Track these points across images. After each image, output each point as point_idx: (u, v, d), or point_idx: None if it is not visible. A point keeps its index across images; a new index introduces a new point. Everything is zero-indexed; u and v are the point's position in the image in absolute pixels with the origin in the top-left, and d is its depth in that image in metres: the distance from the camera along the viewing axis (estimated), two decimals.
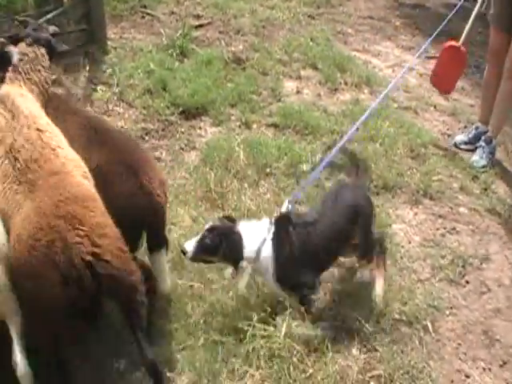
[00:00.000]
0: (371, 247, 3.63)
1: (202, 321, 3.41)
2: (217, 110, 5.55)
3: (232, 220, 3.44)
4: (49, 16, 5.80)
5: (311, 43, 7.11)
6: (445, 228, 4.53)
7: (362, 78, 6.49)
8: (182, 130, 5.33)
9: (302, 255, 3.30)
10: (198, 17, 7.55)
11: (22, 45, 3.58)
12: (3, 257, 2.67)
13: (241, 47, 6.81)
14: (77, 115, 3.52)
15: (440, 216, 4.65)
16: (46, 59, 3.60)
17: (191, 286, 3.62)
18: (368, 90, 6.36)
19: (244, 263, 3.30)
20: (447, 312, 3.79)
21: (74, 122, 3.40)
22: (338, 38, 7.57)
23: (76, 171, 2.88)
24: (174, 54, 6.38)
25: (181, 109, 5.51)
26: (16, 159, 2.84)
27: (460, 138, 5.60)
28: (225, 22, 7.44)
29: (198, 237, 3.28)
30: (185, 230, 3.97)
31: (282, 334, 3.21)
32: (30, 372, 2.79)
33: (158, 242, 3.35)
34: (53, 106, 3.49)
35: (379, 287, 3.63)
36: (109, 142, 3.29)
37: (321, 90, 6.26)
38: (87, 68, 5.88)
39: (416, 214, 4.66)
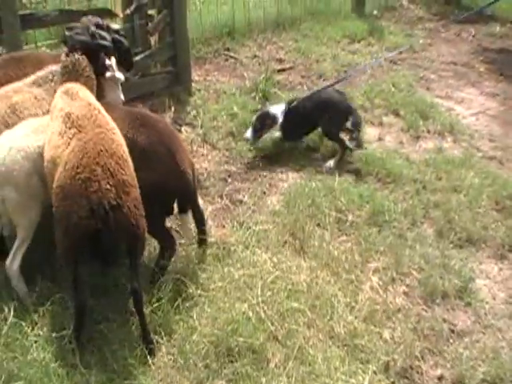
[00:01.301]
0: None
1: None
2: (299, 156, 5.62)
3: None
4: (137, 58, 6.05)
5: (393, 89, 7.10)
6: None
7: (445, 125, 6.42)
8: (264, 173, 5.41)
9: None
10: (280, 61, 7.69)
11: (62, 55, 3.93)
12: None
13: None
14: (121, 109, 4.18)
15: None
16: (84, 64, 3.92)
17: None
18: (451, 138, 6.27)
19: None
20: None
21: (121, 110, 4.09)
22: (420, 84, 7.53)
23: (117, 133, 3.56)
24: (257, 98, 6.54)
25: (263, 153, 5.61)
26: (70, 119, 3.50)
27: None
28: (307, 67, 7.56)
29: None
30: (267, 275, 3.98)
31: None
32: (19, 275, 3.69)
33: (185, 207, 4.16)
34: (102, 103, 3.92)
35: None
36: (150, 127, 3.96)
37: (403, 137, 6.23)
38: (172, 109, 6.09)
39: (501, 269, 4.52)
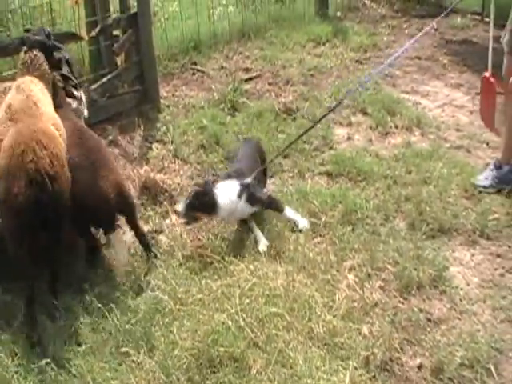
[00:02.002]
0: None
1: None
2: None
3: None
4: (104, 80, 6.13)
5: (360, 88, 7.19)
6: (503, 268, 4.45)
7: (412, 120, 6.52)
8: None
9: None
10: (247, 70, 7.77)
11: (21, 53, 4.36)
12: None
13: (290, 97, 6.97)
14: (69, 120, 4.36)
15: (498, 256, 4.57)
16: (41, 60, 4.31)
17: None
18: (419, 131, 6.37)
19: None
20: (510, 354, 3.70)
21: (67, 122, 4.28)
22: (386, 81, 7.63)
23: (52, 126, 3.88)
24: (226, 109, 6.61)
25: None
26: (10, 112, 3.84)
27: None
28: (274, 74, 7.64)
29: None
30: (244, 283, 4.03)
31: None
32: None
33: (106, 226, 4.32)
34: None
35: None
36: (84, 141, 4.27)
37: (372, 134, 6.32)
38: (142, 127, 6.13)
39: (473, 255, 4.60)
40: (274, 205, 4.77)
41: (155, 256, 4.38)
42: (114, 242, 4.34)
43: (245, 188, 4.49)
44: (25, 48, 4.35)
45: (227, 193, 4.44)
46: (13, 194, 3.52)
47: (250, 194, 4.50)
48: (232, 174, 4.66)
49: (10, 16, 7.33)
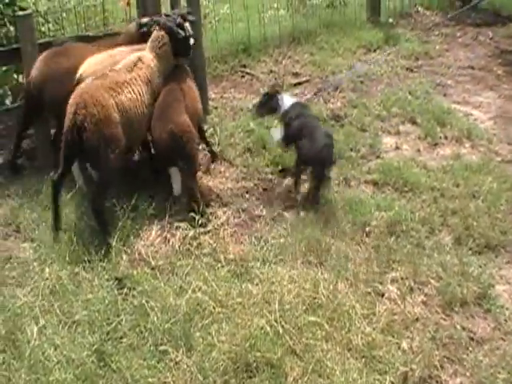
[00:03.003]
0: None
1: None
2: None
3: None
4: None
5: (410, 97, 7.12)
6: None
7: (462, 131, 6.41)
8: (281, 188, 5.46)
9: None
10: (296, 74, 7.76)
11: (154, 31, 5.29)
12: None
13: (339, 104, 6.93)
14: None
15: None
16: (165, 39, 5.23)
17: None
18: (469, 143, 6.25)
19: None
20: None
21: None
22: (437, 91, 7.51)
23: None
24: None
25: (280, 167, 5.67)
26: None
27: None
28: (323, 79, 7.60)
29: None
30: (285, 289, 4.02)
31: None
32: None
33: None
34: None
35: None
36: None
37: (420, 145, 6.24)
38: None
39: None
40: None
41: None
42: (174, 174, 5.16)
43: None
44: (156, 27, 5.26)
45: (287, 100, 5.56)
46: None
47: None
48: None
49: (64, 15, 7.48)
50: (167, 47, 5.23)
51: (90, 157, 4.67)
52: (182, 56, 5.41)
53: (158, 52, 5.20)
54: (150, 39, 5.25)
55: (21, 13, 5.69)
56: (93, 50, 5.41)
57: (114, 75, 4.82)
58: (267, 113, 5.65)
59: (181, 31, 5.26)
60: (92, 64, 5.16)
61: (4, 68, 6.36)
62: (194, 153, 5.05)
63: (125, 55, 5.19)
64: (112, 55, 5.27)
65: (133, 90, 4.85)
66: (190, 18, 5.60)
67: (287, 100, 5.53)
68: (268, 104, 5.55)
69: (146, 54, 5.17)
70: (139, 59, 5.06)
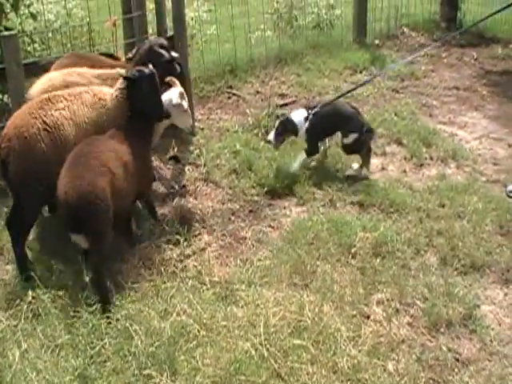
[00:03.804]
0: None
1: None
2: (301, 190, 5.65)
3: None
4: None
5: (396, 118, 7.17)
6: None
7: (448, 151, 6.46)
8: (268, 210, 5.46)
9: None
10: (282, 96, 7.80)
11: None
12: None
13: None
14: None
15: None
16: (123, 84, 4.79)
17: None
18: (455, 164, 6.29)
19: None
20: None
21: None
22: (422, 111, 7.58)
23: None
24: (260, 134, 6.62)
25: (266, 189, 5.67)
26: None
27: None
28: (309, 100, 7.63)
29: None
30: (270, 312, 3.99)
31: None
32: None
33: None
34: None
35: None
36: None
37: (406, 165, 6.27)
38: (175, 149, 6.17)
39: (506, 294, 4.50)
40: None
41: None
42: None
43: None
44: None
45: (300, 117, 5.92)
46: None
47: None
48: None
49: (51, 35, 7.49)
50: (122, 93, 4.75)
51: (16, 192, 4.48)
52: (147, 115, 4.80)
53: (117, 94, 4.78)
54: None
55: (6, 33, 5.66)
56: None
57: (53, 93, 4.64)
58: (287, 137, 6.01)
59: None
60: (39, 84, 5.07)
61: None
62: (103, 229, 4.20)
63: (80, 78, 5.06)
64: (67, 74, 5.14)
65: (68, 107, 4.56)
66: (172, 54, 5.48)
67: (300, 114, 5.94)
68: (285, 129, 5.89)
69: (105, 89, 4.86)
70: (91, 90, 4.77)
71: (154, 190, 5.55)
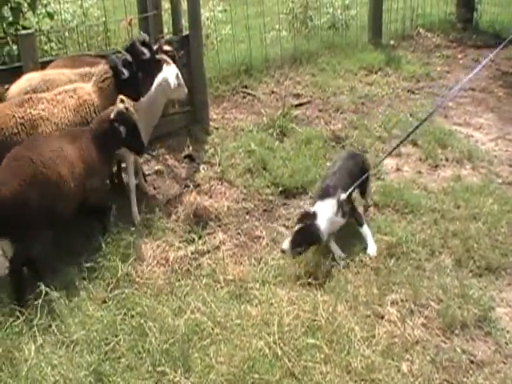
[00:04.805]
0: None
1: None
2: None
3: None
4: None
5: (411, 119, 7.15)
6: None
7: (463, 153, 6.43)
8: (282, 209, 5.47)
9: None
10: (297, 96, 7.79)
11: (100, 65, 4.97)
12: None
13: (340, 125, 6.96)
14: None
15: None
16: (108, 73, 4.85)
17: None
18: (470, 165, 6.26)
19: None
20: None
21: None
22: (438, 112, 7.51)
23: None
24: (274, 134, 6.63)
25: (280, 188, 5.68)
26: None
27: None
28: (324, 101, 7.64)
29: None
30: (284, 311, 4.00)
31: None
32: None
33: None
34: None
35: None
36: None
37: (421, 166, 6.25)
38: (190, 148, 6.19)
39: None
40: (357, 216, 4.95)
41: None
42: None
43: (340, 205, 4.73)
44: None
45: (326, 216, 4.64)
46: None
47: (343, 210, 4.76)
48: (327, 190, 4.82)
49: (67, 34, 7.54)
50: (109, 82, 4.85)
51: None
52: (130, 98, 4.92)
53: (100, 86, 4.86)
54: (95, 73, 4.95)
55: (23, 32, 5.73)
56: None
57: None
58: (308, 247, 4.61)
59: (125, 71, 4.84)
60: (18, 84, 5.04)
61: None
62: (27, 233, 4.16)
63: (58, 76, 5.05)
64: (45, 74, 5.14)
65: (48, 109, 4.62)
66: (167, 48, 5.58)
67: (325, 216, 4.63)
68: (305, 236, 4.56)
69: (85, 86, 4.88)
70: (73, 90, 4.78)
71: (168, 190, 5.60)
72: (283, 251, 4.65)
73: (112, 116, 4.55)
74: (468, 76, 5.73)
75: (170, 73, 5.32)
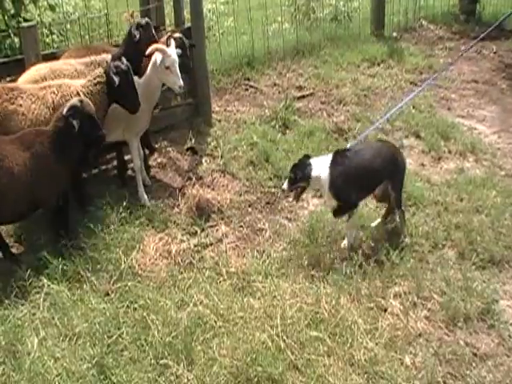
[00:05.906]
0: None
1: None
2: None
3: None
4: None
5: (414, 111, 7.12)
6: None
7: (466, 145, 6.41)
8: (285, 201, 5.45)
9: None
10: (300, 88, 7.74)
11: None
12: None
13: (342, 117, 6.93)
14: None
15: None
16: (101, 78, 4.73)
17: None
18: (473, 157, 6.24)
19: None
20: None
21: None
22: (441, 105, 7.51)
23: None
24: (277, 126, 6.60)
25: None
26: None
27: None
28: (326, 93, 7.60)
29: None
30: (287, 304, 3.99)
31: None
32: None
33: None
34: None
35: None
36: None
37: (424, 158, 6.24)
38: (193, 140, 6.17)
39: None
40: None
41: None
42: None
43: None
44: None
45: (320, 161, 4.67)
46: None
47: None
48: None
49: (69, 27, 7.52)
50: (100, 88, 4.71)
51: None
52: (125, 109, 4.86)
53: (91, 89, 4.72)
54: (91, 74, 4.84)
55: (25, 24, 5.70)
56: None
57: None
58: (303, 184, 4.67)
59: (116, 79, 4.65)
60: (27, 74, 5.08)
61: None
62: None
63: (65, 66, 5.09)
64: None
65: (24, 104, 4.57)
66: (176, 34, 5.50)
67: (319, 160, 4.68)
68: (298, 173, 4.62)
69: (74, 83, 4.77)
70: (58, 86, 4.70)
71: (169, 183, 5.60)
72: (283, 190, 4.88)
73: (64, 112, 4.34)
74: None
75: (161, 54, 5.10)
